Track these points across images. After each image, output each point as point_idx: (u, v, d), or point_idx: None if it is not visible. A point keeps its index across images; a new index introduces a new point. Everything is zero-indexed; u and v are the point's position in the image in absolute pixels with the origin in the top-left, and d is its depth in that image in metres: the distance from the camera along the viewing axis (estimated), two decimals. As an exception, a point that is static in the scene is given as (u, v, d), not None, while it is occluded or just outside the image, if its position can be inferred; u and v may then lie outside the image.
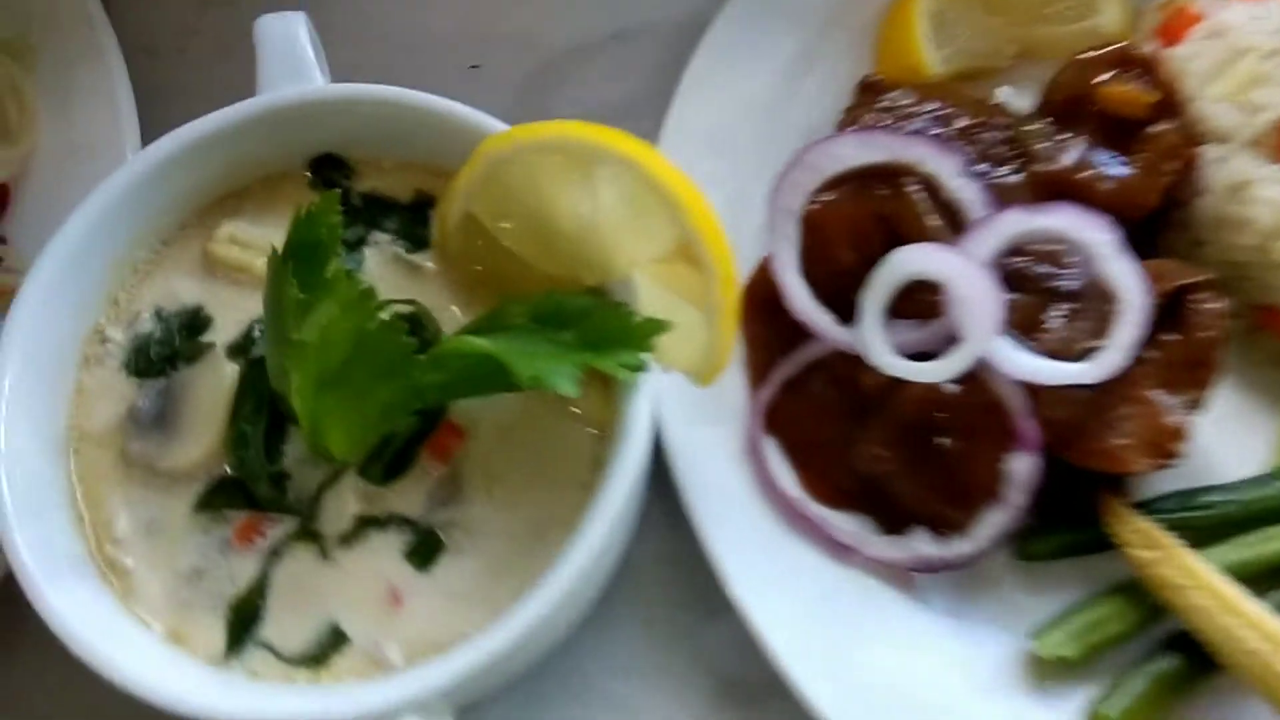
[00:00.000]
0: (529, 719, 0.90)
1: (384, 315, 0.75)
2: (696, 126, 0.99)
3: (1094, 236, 0.84)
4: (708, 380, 0.82)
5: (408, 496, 0.79)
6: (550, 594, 0.71)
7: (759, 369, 0.92)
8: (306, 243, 0.74)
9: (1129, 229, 0.88)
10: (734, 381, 0.93)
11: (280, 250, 0.74)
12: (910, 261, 0.84)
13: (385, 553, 0.78)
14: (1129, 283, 0.83)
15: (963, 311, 0.83)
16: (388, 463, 0.79)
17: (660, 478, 0.89)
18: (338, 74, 0.91)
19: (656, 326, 0.74)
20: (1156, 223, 0.94)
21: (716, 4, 1.03)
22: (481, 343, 0.73)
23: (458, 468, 0.79)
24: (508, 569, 0.77)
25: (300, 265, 0.74)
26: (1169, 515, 0.87)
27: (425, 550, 0.78)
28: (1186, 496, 0.89)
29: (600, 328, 0.75)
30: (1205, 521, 0.87)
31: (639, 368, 0.74)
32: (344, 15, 1.12)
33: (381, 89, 0.84)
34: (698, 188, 0.75)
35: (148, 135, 1.01)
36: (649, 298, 0.79)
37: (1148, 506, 0.88)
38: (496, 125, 0.81)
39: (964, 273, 0.83)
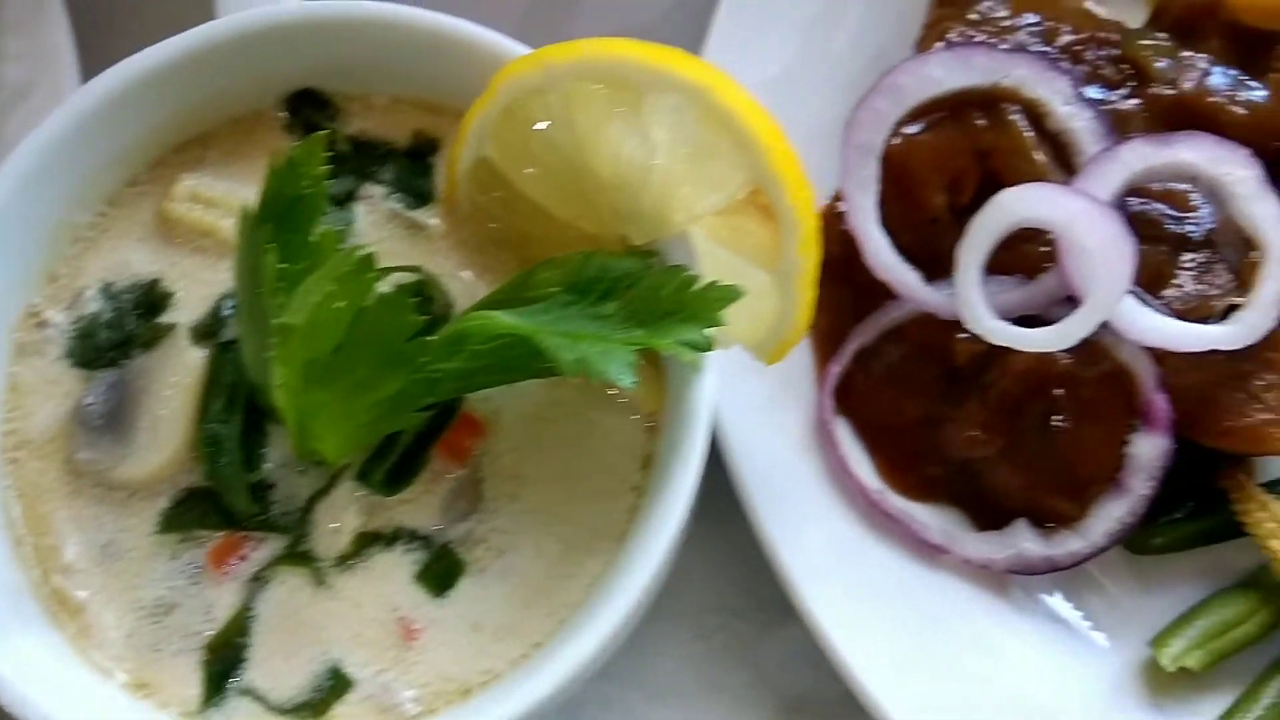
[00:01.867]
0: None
1: (383, 287, 0.61)
2: (741, 52, 0.84)
3: (1232, 172, 0.70)
4: (776, 357, 0.68)
5: (418, 507, 0.65)
6: (602, 626, 0.58)
7: (828, 338, 0.78)
8: (287, 199, 0.60)
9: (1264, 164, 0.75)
10: (798, 353, 0.79)
11: (254, 209, 0.59)
12: (1020, 204, 0.70)
13: (393, 576, 0.64)
14: (1274, 227, 0.69)
15: (1085, 265, 0.69)
16: (393, 466, 0.65)
17: (713, 465, 0.75)
18: None
19: (727, 295, 0.60)
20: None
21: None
22: (509, 321, 0.59)
23: (478, 470, 0.65)
24: (542, 593, 0.64)
25: (280, 227, 0.60)
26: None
27: (442, 572, 0.64)
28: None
29: (653, 298, 0.61)
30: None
31: (705, 347, 0.60)
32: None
33: (370, 5, 0.69)
34: (776, 122, 0.61)
35: (90, 73, 0.85)
36: (707, 258, 0.64)
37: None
38: (517, 48, 0.66)
39: (1086, 218, 0.69)
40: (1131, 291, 0.70)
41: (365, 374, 0.60)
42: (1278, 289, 0.69)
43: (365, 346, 0.59)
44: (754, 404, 0.76)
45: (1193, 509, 0.76)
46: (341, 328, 0.58)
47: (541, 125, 0.64)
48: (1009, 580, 0.76)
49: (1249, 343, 0.69)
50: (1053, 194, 0.70)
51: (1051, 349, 0.70)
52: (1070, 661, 0.74)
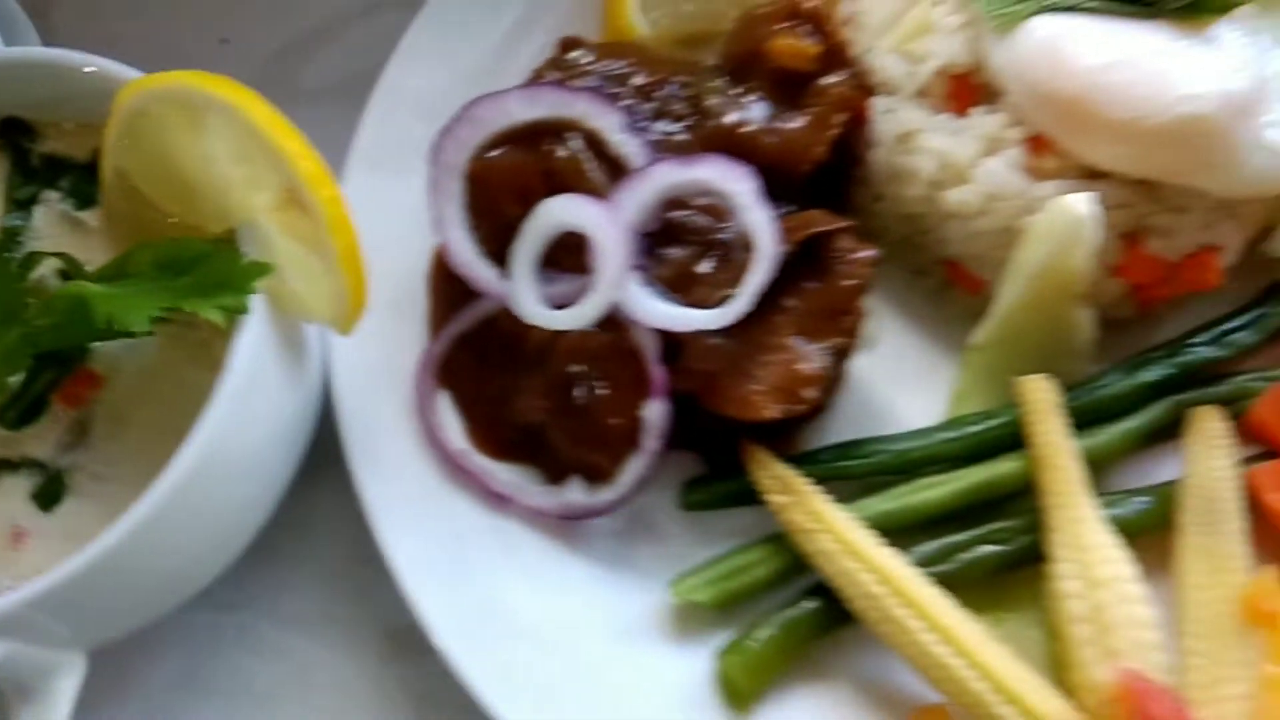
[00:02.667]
0: (201, 669, 0.91)
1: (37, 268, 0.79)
2: (408, 93, 1.00)
3: (735, 186, 0.85)
4: (347, 328, 0.83)
5: (40, 440, 0.81)
6: (126, 525, 0.72)
7: (439, 324, 0.93)
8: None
9: (804, 183, 0.90)
10: (418, 334, 0.94)
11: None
12: (555, 212, 0.85)
13: (14, 494, 0.80)
14: (761, 230, 0.83)
15: (598, 259, 0.83)
16: (24, 408, 0.81)
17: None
18: (92, 50, 0.90)
19: (259, 270, 0.76)
20: (842, 179, 0.95)
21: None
22: (81, 286, 0.75)
23: (89, 413, 0.81)
24: (125, 513, 0.78)
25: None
26: (826, 465, 0.88)
27: (51, 492, 0.80)
28: (847, 447, 0.89)
29: (213, 273, 0.77)
30: (859, 470, 0.88)
31: (240, 310, 0.76)
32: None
33: (44, 51, 0.87)
34: (300, 134, 0.77)
35: None
36: (278, 246, 0.80)
37: (811, 456, 0.89)
38: (129, 75, 0.83)
39: (600, 221, 0.83)
40: (646, 282, 0.85)
41: (-13, 330, 0.77)
42: (758, 280, 0.83)
43: (-15, 308, 0.76)
44: (370, 378, 0.91)
45: (732, 472, 0.89)
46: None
47: (150, 140, 0.81)
48: (575, 530, 0.89)
49: (731, 323, 0.82)
50: (578, 203, 0.84)
51: (571, 326, 0.84)
52: (612, 599, 0.87)
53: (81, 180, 0.89)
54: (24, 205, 0.88)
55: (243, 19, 1.14)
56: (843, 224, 0.85)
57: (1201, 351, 0.90)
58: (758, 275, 0.82)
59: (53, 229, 0.88)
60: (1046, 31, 0.83)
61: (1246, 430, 0.89)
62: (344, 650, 0.91)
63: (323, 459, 0.91)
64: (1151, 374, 0.89)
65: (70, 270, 0.84)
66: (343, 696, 0.90)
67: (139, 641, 0.91)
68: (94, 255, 0.86)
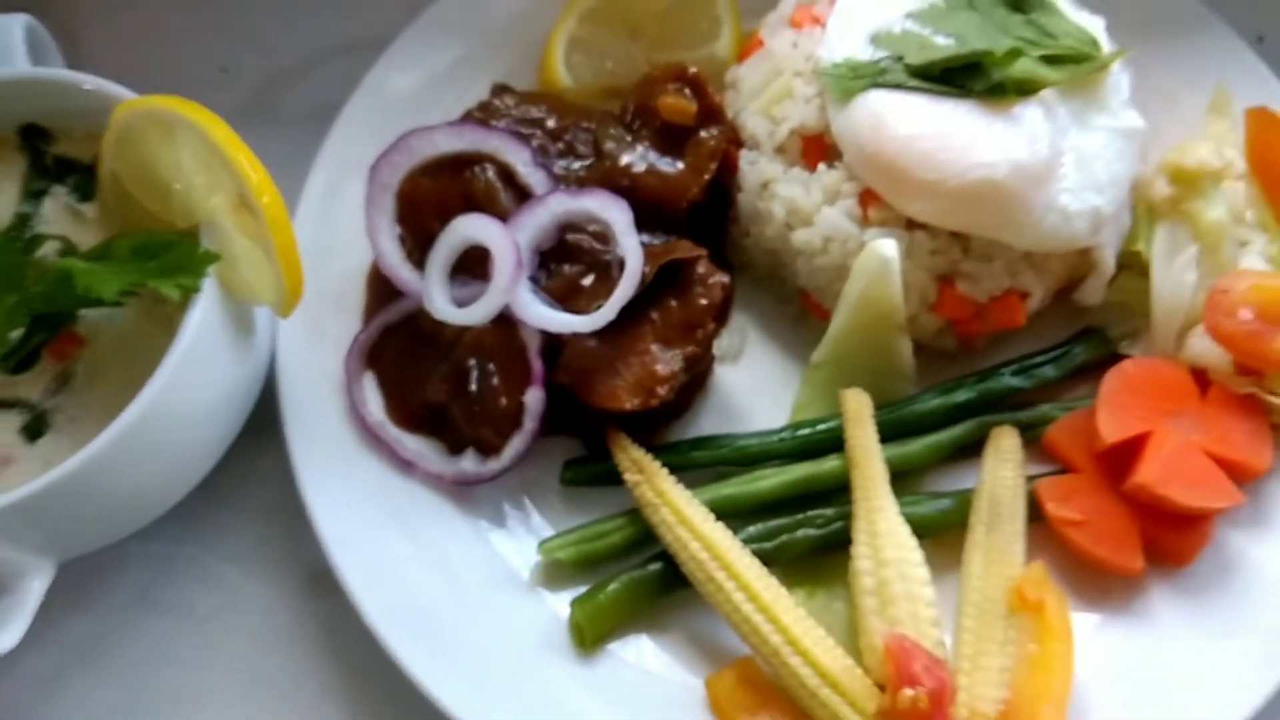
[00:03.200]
0: (153, 592, 1.09)
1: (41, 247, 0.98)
2: (364, 121, 1.19)
3: (613, 215, 1.02)
4: (286, 311, 1.01)
5: (31, 385, 0.99)
6: (87, 453, 0.90)
7: (371, 318, 1.11)
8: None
9: (685, 217, 1.07)
10: (354, 328, 1.12)
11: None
12: (462, 228, 1.03)
13: (6, 427, 0.98)
14: (630, 253, 1.01)
15: (494, 268, 1.01)
16: (20, 359, 1.00)
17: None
18: (112, 72, 1.08)
19: (210, 258, 0.95)
20: (720, 216, 1.12)
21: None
22: (68, 262, 0.94)
23: (72, 366, 1.00)
24: (93, 448, 0.97)
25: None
26: (681, 454, 1.04)
27: (35, 428, 0.98)
28: (701, 441, 1.06)
29: (175, 258, 0.96)
30: (706, 460, 1.04)
31: (193, 289, 0.94)
32: (107, 19, 1.34)
33: (49, 71, 1.07)
34: (249, 149, 0.95)
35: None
36: (233, 240, 0.98)
37: (671, 447, 1.05)
38: (125, 95, 1.02)
39: (497, 237, 1.01)
40: (534, 290, 1.02)
41: (-1, 293, 0.96)
42: (622, 295, 1.00)
43: (-3, 276, 0.96)
44: (309, 355, 1.09)
45: (601, 455, 1.05)
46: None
47: (136, 149, 1.00)
48: (468, 494, 1.06)
49: (596, 329, 0.99)
50: (481, 221, 1.02)
51: (467, 323, 1.01)
52: (493, 555, 1.03)
53: (85, 179, 1.08)
54: (36, 196, 1.07)
55: (240, 50, 1.33)
56: (700, 252, 1.02)
57: (1008, 380, 1.06)
58: (623, 290, 1.00)
59: (58, 217, 1.07)
60: (874, 104, 1.00)
61: (1043, 450, 1.05)
62: (272, 584, 1.08)
63: (268, 421, 1.08)
64: (961, 396, 1.05)
65: (67, 250, 1.03)
66: (268, 622, 1.08)
67: (104, 566, 1.09)
68: (89, 240, 1.05)
